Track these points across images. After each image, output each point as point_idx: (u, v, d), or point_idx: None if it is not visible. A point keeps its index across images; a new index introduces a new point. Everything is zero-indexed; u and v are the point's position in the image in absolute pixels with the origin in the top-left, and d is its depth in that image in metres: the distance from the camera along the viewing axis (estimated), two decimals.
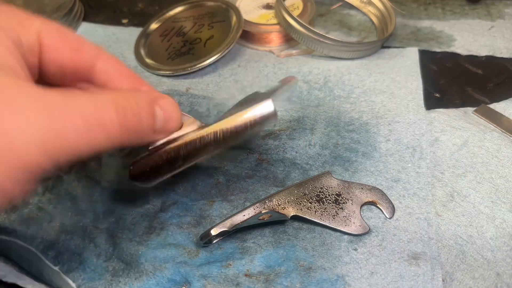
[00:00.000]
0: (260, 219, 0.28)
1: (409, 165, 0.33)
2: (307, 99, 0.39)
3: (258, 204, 0.29)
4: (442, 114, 0.36)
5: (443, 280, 0.26)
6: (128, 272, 0.27)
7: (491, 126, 0.36)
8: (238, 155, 0.34)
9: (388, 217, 0.30)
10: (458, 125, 0.35)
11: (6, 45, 0.19)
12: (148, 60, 0.43)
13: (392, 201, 0.30)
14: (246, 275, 0.27)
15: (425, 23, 0.46)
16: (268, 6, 0.47)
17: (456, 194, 0.31)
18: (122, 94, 0.22)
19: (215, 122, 0.26)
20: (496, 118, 0.36)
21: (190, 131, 0.26)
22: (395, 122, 0.36)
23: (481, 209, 0.30)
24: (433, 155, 0.33)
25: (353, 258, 0.28)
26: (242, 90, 0.40)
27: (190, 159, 0.26)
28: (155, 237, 0.29)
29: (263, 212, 0.28)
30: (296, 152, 0.34)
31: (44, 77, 0.23)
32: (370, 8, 0.48)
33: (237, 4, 0.46)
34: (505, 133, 0.35)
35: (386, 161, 0.33)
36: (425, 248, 0.28)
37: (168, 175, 0.26)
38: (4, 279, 0.27)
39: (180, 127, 0.26)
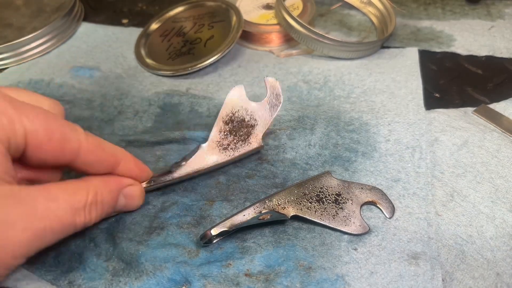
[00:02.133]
0: (260, 219, 0.28)
1: (409, 165, 0.33)
2: (307, 99, 0.39)
3: (258, 204, 0.29)
4: (442, 114, 0.36)
5: (443, 280, 0.26)
6: (128, 272, 0.27)
7: (491, 126, 0.36)
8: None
9: (388, 217, 0.30)
10: (458, 125, 0.35)
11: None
12: (148, 60, 0.43)
13: (392, 201, 0.30)
14: (246, 274, 0.27)
15: (425, 23, 0.46)
16: (268, 6, 0.47)
17: (456, 194, 0.31)
18: (92, 192, 0.25)
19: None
20: (496, 118, 0.36)
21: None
22: (395, 122, 0.36)
23: (481, 209, 0.30)
24: (433, 155, 0.33)
25: (353, 257, 0.28)
26: None
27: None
28: (155, 237, 0.29)
29: (263, 212, 0.28)
30: (296, 152, 0.34)
31: (25, 160, 0.24)
32: (370, 8, 0.48)
33: (237, 4, 0.46)
34: (505, 133, 0.35)
35: (386, 161, 0.33)
36: (425, 248, 0.28)
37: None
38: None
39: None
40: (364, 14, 0.48)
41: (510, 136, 0.34)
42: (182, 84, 0.41)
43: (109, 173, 0.27)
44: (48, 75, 0.43)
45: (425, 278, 0.26)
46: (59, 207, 0.23)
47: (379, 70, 0.41)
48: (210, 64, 0.41)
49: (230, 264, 0.28)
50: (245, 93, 0.33)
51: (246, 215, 0.28)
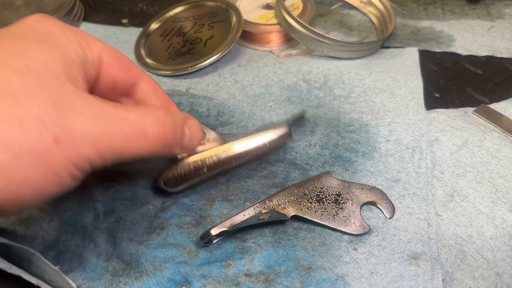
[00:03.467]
0: (260, 219, 0.28)
1: (409, 165, 0.33)
2: (307, 99, 0.39)
3: (258, 204, 0.29)
4: (442, 114, 0.36)
5: (443, 280, 0.26)
6: (128, 272, 0.27)
7: (491, 126, 0.36)
8: None
9: (388, 217, 0.30)
10: (458, 125, 0.35)
11: (74, 60, 0.23)
12: (148, 60, 0.43)
13: (392, 201, 0.30)
14: (246, 275, 0.27)
15: (425, 23, 0.46)
16: (268, 6, 0.47)
17: (456, 194, 0.31)
18: (163, 111, 0.25)
19: (237, 139, 0.30)
20: (496, 118, 0.36)
21: (213, 146, 0.30)
22: (395, 123, 0.36)
23: (481, 209, 0.30)
24: (433, 155, 0.33)
25: (353, 258, 0.28)
26: (242, 90, 0.40)
27: (213, 170, 0.29)
28: (155, 237, 0.29)
29: (263, 212, 0.28)
30: (296, 153, 0.34)
31: (96, 89, 0.26)
32: (370, 8, 0.48)
33: (237, 4, 0.46)
34: (505, 133, 0.35)
35: (386, 161, 0.33)
36: (425, 248, 0.28)
37: (191, 182, 0.30)
38: (9, 271, 0.27)
39: (202, 144, 0.30)
40: (364, 14, 0.48)
41: (510, 136, 0.34)
42: (182, 84, 0.41)
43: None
44: None
45: (425, 278, 0.26)
46: (130, 114, 0.23)
47: (379, 70, 0.41)
48: (210, 64, 0.41)
49: (230, 264, 0.28)
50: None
51: (246, 215, 0.28)
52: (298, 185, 0.30)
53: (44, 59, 0.21)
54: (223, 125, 0.37)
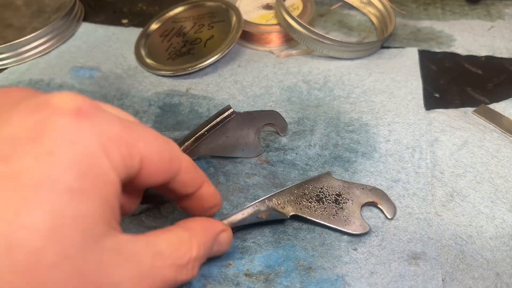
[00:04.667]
0: (258, 217, 0.28)
1: (409, 165, 0.33)
2: (307, 99, 0.39)
3: (257, 203, 0.28)
4: (441, 114, 0.36)
5: (443, 280, 0.27)
6: None
7: (491, 126, 0.36)
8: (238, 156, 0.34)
9: (389, 217, 0.30)
10: (458, 125, 0.35)
11: (112, 192, 0.18)
12: (148, 60, 0.43)
13: (392, 201, 0.30)
14: (246, 275, 0.27)
15: (425, 23, 0.46)
16: (268, 6, 0.47)
17: (455, 194, 0.31)
18: (197, 249, 0.22)
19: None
20: (495, 118, 0.36)
21: None
22: (394, 123, 0.36)
23: (480, 209, 0.30)
24: (432, 155, 0.33)
25: (353, 258, 0.28)
26: (242, 90, 0.40)
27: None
28: None
29: (262, 210, 0.28)
30: (296, 154, 0.34)
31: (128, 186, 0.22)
32: (370, 9, 0.48)
33: (237, 4, 0.46)
34: (505, 133, 0.35)
35: (386, 161, 0.33)
36: (425, 248, 0.28)
37: None
38: None
39: None
40: (364, 14, 0.48)
41: (510, 136, 0.34)
42: (182, 84, 0.41)
43: (196, 192, 0.24)
44: (48, 75, 0.43)
45: (425, 278, 0.27)
46: (164, 264, 0.20)
47: (379, 70, 0.41)
48: (210, 64, 0.41)
49: (230, 264, 0.28)
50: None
51: (245, 214, 0.28)
52: (298, 185, 0.30)
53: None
54: None
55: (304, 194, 0.30)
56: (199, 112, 0.38)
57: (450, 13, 0.48)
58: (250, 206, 0.28)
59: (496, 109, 0.37)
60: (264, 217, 0.28)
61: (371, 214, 0.30)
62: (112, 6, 0.52)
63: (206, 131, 0.31)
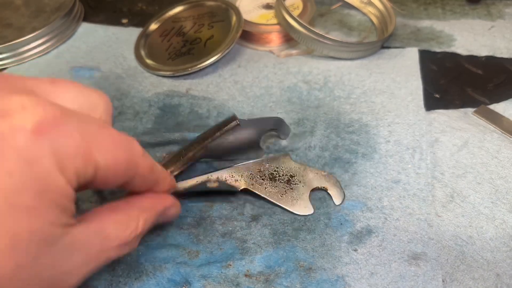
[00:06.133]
0: (208, 186, 0.30)
1: (409, 166, 0.33)
2: (307, 100, 0.39)
3: (212, 173, 0.30)
4: (442, 115, 0.36)
5: (443, 281, 0.27)
6: (128, 272, 0.27)
7: (491, 127, 0.36)
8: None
9: (337, 204, 0.31)
10: (458, 126, 0.35)
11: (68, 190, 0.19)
12: (148, 61, 0.43)
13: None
14: (246, 275, 0.27)
15: (425, 23, 0.46)
16: (268, 6, 0.46)
17: (456, 195, 0.31)
18: (143, 226, 0.23)
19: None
20: (496, 119, 0.36)
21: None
22: (395, 123, 0.36)
23: (481, 210, 0.30)
24: (433, 156, 0.33)
25: (353, 258, 0.28)
26: (242, 91, 0.40)
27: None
28: (155, 238, 0.29)
29: (212, 179, 0.30)
30: (296, 155, 0.34)
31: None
32: (370, 8, 0.48)
33: (237, 4, 0.46)
34: (505, 134, 0.35)
35: (386, 162, 0.33)
36: (425, 249, 0.28)
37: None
38: None
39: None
40: (364, 14, 0.48)
41: (510, 137, 0.34)
42: (182, 85, 0.41)
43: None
44: (48, 75, 0.43)
45: (425, 279, 0.27)
46: (111, 246, 0.22)
47: (379, 71, 0.41)
48: (210, 64, 0.41)
49: (230, 265, 0.28)
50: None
51: (198, 181, 0.29)
52: (256, 162, 0.32)
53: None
54: None
55: (260, 171, 0.31)
56: (199, 113, 0.38)
57: (450, 13, 0.48)
58: (204, 174, 0.30)
59: (496, 110, 0.37)
60: (214, 186, 0.30)
61: (371, 215, 0.30)
62: (112, 6, 0.52)
63: (210, 140, 0.31)
